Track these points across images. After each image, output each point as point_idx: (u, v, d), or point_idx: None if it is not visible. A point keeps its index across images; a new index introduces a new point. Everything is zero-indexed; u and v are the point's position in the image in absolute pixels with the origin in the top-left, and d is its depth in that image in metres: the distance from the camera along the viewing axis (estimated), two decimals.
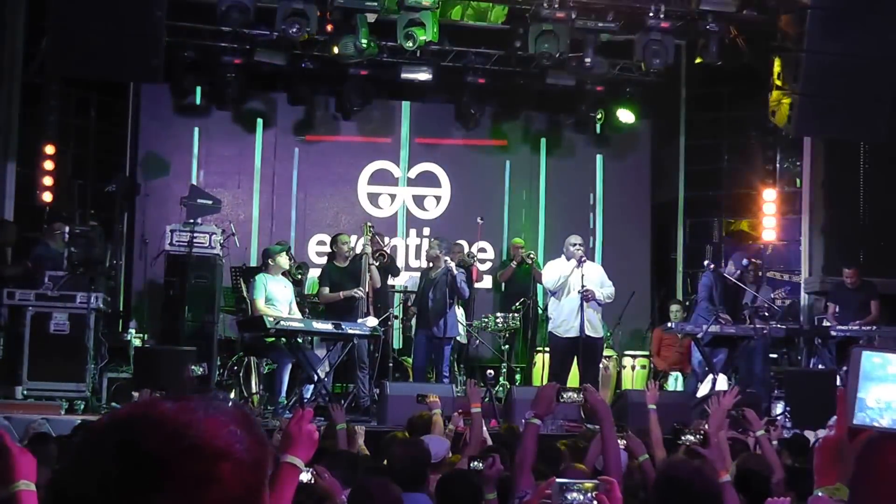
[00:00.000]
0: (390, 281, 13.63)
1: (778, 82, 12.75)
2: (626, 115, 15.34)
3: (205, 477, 1.19)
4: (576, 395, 5.08)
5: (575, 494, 3.32)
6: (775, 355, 13.72)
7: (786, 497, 4.36)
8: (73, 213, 13.23)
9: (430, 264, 12.52)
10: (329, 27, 13.07)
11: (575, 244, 12.02)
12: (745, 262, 12.83)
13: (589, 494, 3.31)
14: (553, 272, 12.11)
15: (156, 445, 1.19)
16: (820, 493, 2.06)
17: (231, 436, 1.23)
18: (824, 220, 14.74)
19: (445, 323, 12.01)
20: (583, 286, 11.64)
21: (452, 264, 12.19)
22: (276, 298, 11.74)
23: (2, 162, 12.76)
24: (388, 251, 13.77)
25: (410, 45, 12.64)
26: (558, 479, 3.42)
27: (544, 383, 11.78)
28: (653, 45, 13.19)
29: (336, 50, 13.25)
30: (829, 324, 13.03)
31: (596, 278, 12.02)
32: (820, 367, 12.90)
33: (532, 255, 14.19)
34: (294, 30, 12.35)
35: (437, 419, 7.60)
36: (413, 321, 13.02)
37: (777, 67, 12.72)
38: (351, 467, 5.68)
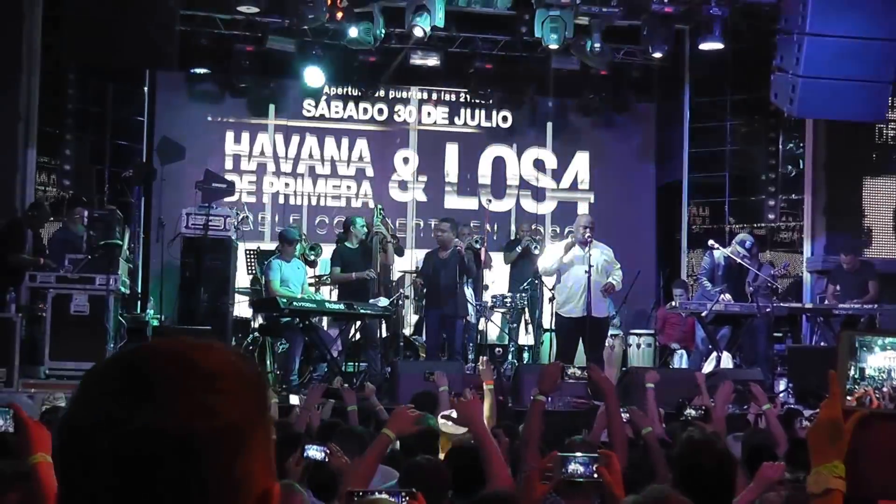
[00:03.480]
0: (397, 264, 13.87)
1: (780, 65, 12.89)
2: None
3: (208, 392, 1.20)
4: (580, 373, 5.20)
5: (575, 466, 3.47)
6: (778, 333, 13.90)
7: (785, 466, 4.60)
8: (92, 198, 13.51)
9: (440, 246, 12.51)
10: (339, 15, 13.30)
11: (579, 226, 12.00)
12: (748, 244, 13.00)
13: (590, 466, 3.46)
14: (547, 259, 12.12)
15: (156, 368, 1.21)
16: (820, 471, 2.12)
17: (228, 362, 1.24)
18: (826, 200, 14.93)
19: (456, 302, 12.13)
20: (589, 266, 11.67)
21: (462, 245, 12.28)
22: (289, 280, 11.99)
23: (23, 149, 13.03)
24: (396, 234, 13.94)
25: (420, 32, 12.86)
26: (560, 453, 3.56)
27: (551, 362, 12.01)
28: (657, 30, 13.38)
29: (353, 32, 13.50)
30: (829, 303, 13.22)
31: (602, 260, 11.89)
32: (822, 344, 13.07)
33: (536, 228, 14.14)
34: (304, 17, 12.63)
35: (444, 396, 7.70)
36: (423, 300, 13.14)
37: (779, 50, 12.87)
38: (361, 445, 5.84)
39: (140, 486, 1.17)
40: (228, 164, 15.52)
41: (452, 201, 16.22)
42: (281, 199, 15.78)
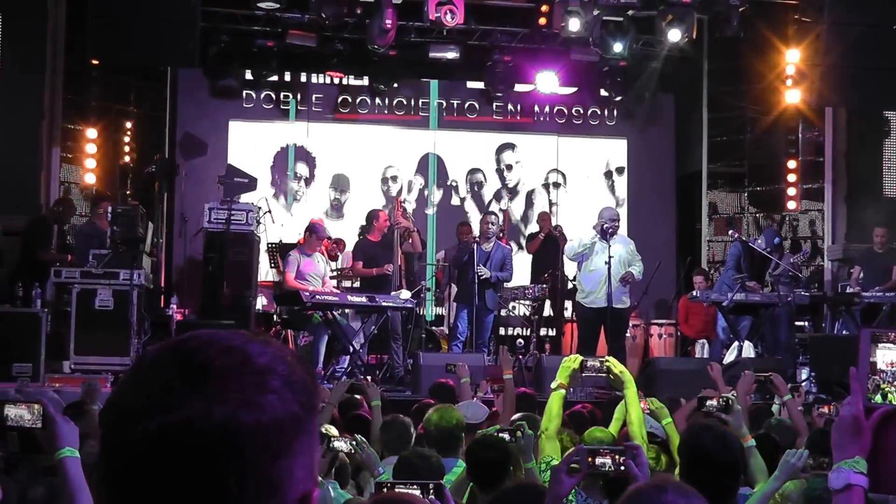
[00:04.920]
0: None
1: (799, 54, 12.87)
2: None
3: (259, 388, 1.20)
4: (599, 365, 5.20)
5: (602, 459, 3.45)
6: (800, 322, 13.88)
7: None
8: (115, 194, 13.61)
9: (482, 238, 12.48)
10: (359, 9, 13.36)
11: (604, 219, 11.91)
12: (777, 240, 13.00)
13: (617, 459, 3.46)
14: (573, 243, 12.17)
15: (211, 358, 1.21)
16: (841, 467, 2.15)
17: (283, 361, 1.24)
18: (847, 188, 14.91)
19: (490, 296, 12.22)
20: (609, 257, 11.68)
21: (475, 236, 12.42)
22: (310, 274, 12.06)
23: (47, 146, 13.15)
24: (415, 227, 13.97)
25: (450, 17, 12.85)
26: (585, 446, 3.59)
27: (573, 353, 12.04)
28: (675, 20, 13.35)
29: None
30: (851, 289, 13.17)
31: (623, 253, 11.82)
32: (844, 332, 13.04)
33: (559, 227, 14.24)
34: (325, 13, 12.70)
35: (465, 387, 7.66)
36: (450, 293, 13.17)
37: (798, 39, 12.85)
38: (400, 436, 5.92)
39: (182, 474, 1.17)
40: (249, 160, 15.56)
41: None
42: (302, 194, 15.86)
